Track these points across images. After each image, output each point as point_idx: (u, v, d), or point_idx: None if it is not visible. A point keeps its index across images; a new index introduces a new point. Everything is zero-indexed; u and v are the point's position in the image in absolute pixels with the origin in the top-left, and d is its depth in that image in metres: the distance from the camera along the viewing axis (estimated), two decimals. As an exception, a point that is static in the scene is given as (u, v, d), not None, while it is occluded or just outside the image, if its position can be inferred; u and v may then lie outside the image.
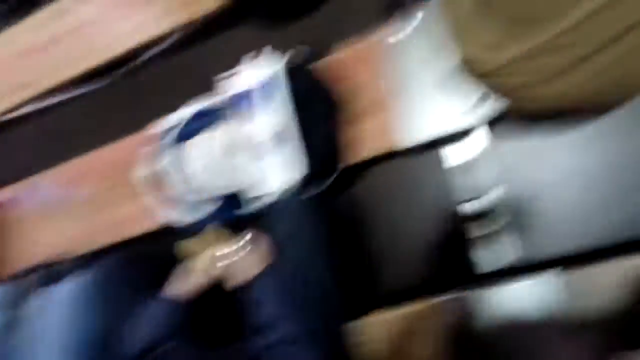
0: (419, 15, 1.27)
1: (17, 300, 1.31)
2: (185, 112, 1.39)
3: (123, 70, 1.86)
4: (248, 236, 1.02)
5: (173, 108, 1.47)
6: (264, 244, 1.02)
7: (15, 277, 1.38)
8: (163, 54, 1.86)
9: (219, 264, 1.01)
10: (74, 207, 1.58)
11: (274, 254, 1.03)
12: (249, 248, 1.01)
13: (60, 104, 1.94)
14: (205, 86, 1.47)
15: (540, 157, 1.32)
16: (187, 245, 1.03)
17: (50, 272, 1.38)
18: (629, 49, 0.79)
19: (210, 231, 1.07)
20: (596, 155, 1.28)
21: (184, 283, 1.04)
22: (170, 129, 1.38)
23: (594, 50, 0.80)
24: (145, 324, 0.99)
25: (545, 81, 0.86)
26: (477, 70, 0.90)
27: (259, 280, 0.93)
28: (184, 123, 1.36)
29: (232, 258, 1.01)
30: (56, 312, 1.22)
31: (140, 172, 1.39)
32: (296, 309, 0.93)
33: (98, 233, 1.56)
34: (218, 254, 1.02)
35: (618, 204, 1.24)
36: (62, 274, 1.35)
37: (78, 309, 1.22)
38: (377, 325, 1.19)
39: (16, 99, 1.81)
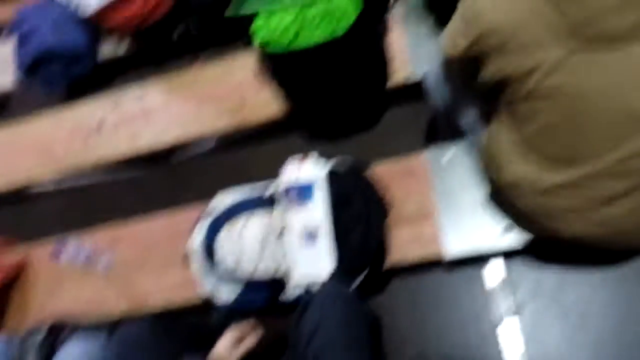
0: (457, 145, 1.41)
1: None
2: (232, 196, 1.48)
3: (172, 159, 2.03)
4: None
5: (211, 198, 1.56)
6: None
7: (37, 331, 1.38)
8: (209, 151, 2.04)
9: None
10: (107, 270, 1.60)
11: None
12: None
13: (105, 180, 2.09)
14: (248, 182, 1.58)
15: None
16: None
17: (81, 329, 1.38)
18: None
19: None
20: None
21: (232, 351, 1.05)
22: (217, 209, 1.46)
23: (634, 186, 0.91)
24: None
25: (590, 209, 0.95)
26: (524, 190, 1.00)
27: None
28: (230, 206, 1.44)
29: None
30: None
31: (190, 243, 1.44)
32: None
33: (134, 298, 1.59)
34: None
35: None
36: (90, 332, 1.35)
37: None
38: None
39: (67, 168, 1.94)
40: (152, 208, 1.86)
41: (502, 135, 1.04)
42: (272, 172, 1.57)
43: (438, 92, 1.26)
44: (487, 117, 1.12)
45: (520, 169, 1.00)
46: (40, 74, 2.06)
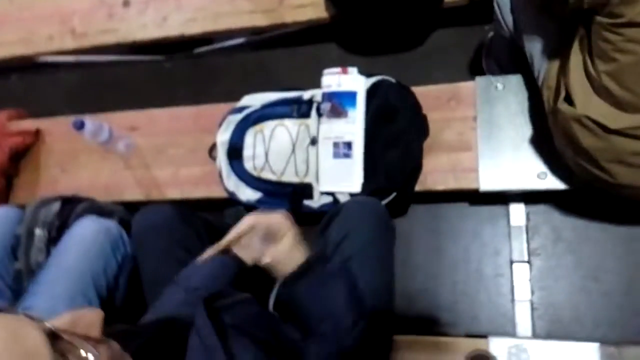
0: (511, 77, 1.33)
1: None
2: (266, 96, 1.41)
3: (198, 50, 1.94)
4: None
5: (234, 97, 1.49)
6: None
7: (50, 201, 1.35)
8: (237, 48, 1.94)
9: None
10: (129, 152, 1.57)
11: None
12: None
13: (127, 62, 1.99)
14: (275, 87, 1.50)
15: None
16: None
17: (95, 207, 1.35)
18: None
19: None
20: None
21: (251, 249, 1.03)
22: (249, 107, 1.39)
23: None
24: (203, 270, 0.97)
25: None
26: (594, 127, 0.94)
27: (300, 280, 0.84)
28: (263, 106, 1.38)
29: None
30: (81, 242, 1.20)
31: (217, 137, 1.39)
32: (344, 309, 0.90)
33: (151, 187, 1.56)
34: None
35: None
36: (105, 213, 1.33)
37: (104, 247, 1.20)
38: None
39: (94, 41, 1.82)
40: (173, 98, 1.79)
41: (578, 67, 0.96)
42: (301, 80, 1.49)
43: (507, 14, 1.16)
44: (560, 47, 1.04)
45: (593, 105, 0.94)
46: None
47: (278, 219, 0.85)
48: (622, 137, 0.92)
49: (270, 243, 0.86)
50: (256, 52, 1.90)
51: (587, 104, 0.96)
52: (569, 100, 1.00)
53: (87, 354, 0.52)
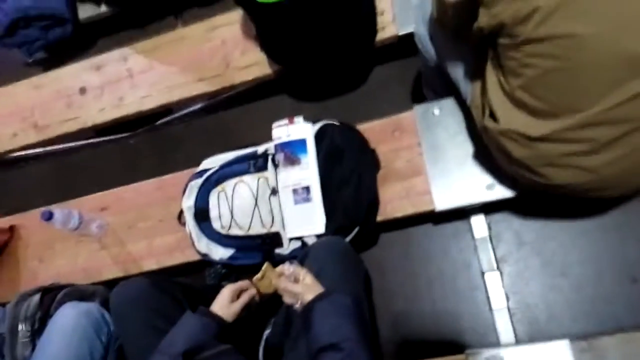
0: (445, 101, 1.42)
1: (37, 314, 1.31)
2: (223, 157, 1.48)
3: (158, 122, 2.01)
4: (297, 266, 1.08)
5: (197, 162, 1.56)
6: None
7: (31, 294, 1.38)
8: (195, 114, 2.03)
9: (283, 282, 1.06)
10: (101, 234, 1.61)
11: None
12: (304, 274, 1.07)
13: (91, 145, 2.06)
14: (235, 145, 1.57)
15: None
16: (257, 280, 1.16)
17: (76, 292, 1.38)
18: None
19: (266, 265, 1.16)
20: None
21: (230, 305, 1.08)
22: (209, 170, 1.46)
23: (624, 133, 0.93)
24: (184, 334, 1.00)
25: (580, 155, 0.97)
26: (518, 138, 1.01)
27: (319, 304, 0.97)
28: (221, 166, 1.45)
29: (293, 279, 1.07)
30: (63, 330, 1.23)
31: (182, 204, 1.45)
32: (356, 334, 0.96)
33: (127, 262, 1.60)
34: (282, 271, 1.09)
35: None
36: (86, 295, 1.36)
37: (87, 330, 1.23)
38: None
39: (57, 131, 1.89)
40: (140, 172, 1.85)
41: (495, 85, 1.05)
42: (259, 134, 1.57)
43: (428, 47, 1.26)
44: (478, 69, 1.13)
45: (514, 118, 1.01)
46: (19, 39, 2.01)
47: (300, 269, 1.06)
48: (545, 142, 1.00)
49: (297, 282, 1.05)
50: (214, 115, 1.99)
51: (508, 117, 1.04)
52: (493, 116, 1.08)
53: None
